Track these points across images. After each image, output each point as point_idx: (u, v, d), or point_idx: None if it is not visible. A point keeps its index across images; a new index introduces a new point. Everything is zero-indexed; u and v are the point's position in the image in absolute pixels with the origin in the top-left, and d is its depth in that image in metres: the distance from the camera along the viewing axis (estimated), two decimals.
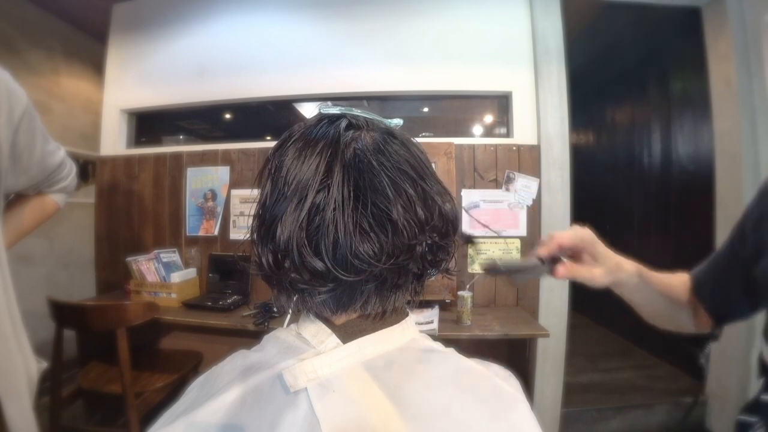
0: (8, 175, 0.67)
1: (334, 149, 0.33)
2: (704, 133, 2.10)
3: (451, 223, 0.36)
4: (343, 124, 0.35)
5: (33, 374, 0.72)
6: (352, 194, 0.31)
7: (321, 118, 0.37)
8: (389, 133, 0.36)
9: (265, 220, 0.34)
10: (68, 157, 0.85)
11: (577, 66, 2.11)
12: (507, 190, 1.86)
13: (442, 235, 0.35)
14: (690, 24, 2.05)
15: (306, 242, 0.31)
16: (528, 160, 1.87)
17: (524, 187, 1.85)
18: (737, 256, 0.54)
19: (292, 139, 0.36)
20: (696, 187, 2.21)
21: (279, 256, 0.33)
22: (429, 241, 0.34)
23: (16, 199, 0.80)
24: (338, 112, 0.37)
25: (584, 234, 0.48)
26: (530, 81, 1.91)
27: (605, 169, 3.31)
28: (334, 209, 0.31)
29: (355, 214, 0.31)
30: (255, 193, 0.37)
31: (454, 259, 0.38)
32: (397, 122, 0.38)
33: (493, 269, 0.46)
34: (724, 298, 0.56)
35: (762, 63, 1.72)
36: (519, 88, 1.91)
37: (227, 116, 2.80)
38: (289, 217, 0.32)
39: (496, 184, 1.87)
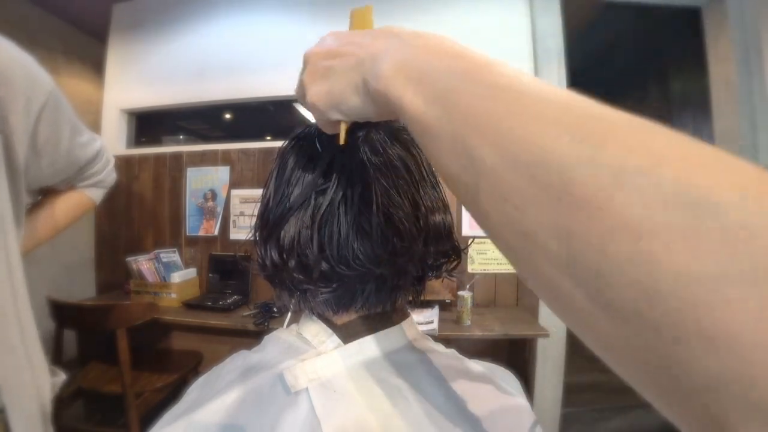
0: (30, 167, 0.62)
1: (337, 151, 0.33)
2: (704, 133, 2.10)
3: (442, 232, 0.36)
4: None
5: (44, 388, 0.66)
6: (353, 196, 0.32)
7: None
8: (394, 135, 0.36)
9: (269, 220, 0.34)
10: (105, 150, 0.78)
11: (577, 66, 2.11)
12: None
13: (435, 242, 0.35)
14: (690, 24, 2.05)
15: (309, 242, 0.32)
16: None
17: None
18: None
19: (296, 140, 0.36)
20: None
21: (283, 255, 0.33)
22: (422, 248, 0.34)
23: (48, 194, 0.76)
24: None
25: None
26: None
27: None
28: (336, 210, 0.31)
29: (356, 216, 0.31)
30: (258, 192, 0.38)
31: (457, 264, 0.38)
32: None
33: None
34: None
35: (762, 63, 1.72)
36: None
37: (227, 116, 2.81)
38: (292, 217, 0.32)
39: None
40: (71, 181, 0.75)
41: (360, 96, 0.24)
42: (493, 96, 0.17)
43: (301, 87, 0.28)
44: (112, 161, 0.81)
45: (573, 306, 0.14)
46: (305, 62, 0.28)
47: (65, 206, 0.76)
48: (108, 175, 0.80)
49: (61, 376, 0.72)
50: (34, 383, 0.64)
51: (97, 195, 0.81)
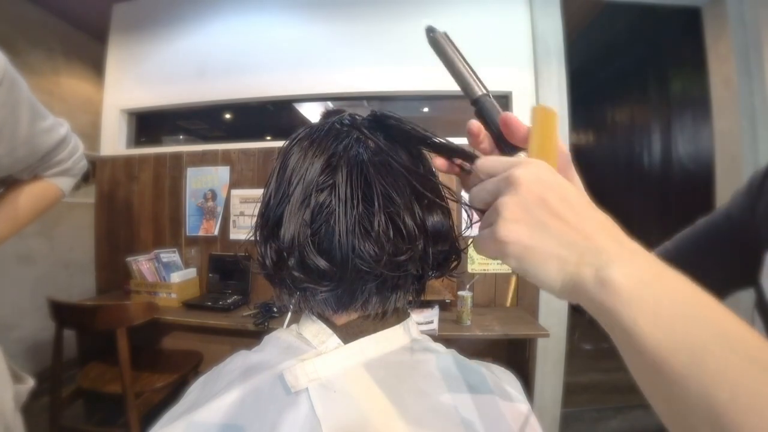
0: None
1: (338, 150, 0.33)
2: (704, 133, 2.10)
3: (442, 232, 0.36)
4: (348, 125, 0.36)
5: (5, 398, 0.61)
6: (354, 194, 0.32)
7: (326, 118, 0.37)
8: (394, 136, 0.36)
9: (269, 219, 0.34)
10: (73, 135, 0.72)
11: (577, 66, 2.12)
12: None
13: (434, 242, 0.35)
14: (690, 24, 2.06)
15: (309, 241, 0.32)
16: None
17: None
18: (731, 221, 0.54)
19: (298, 139, 0.36)
20: (696, 187, 2.21)
21: (284, 254, 0.33)
22: (422, 248, 0.34)
23: (11, 186, 0.69)
24: (346, 114, 0.37)
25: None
26: (530, 81, 1.91)
27: (605, 169, 3.31)
28: (337, 209, 0.31)
29: (357, 214, 0.31)
30: (258, 192, 0.38)
31: (457, 264, 0.38)
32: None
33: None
34: (706, 272, 0.55)
35: (762, 63, 1.72)
36: (519, 88, 1.91)
37: (227, 116, 2.80)
38: (293, 216, 0.32)
39: None
40: (35, 170, 0.68)
41: (560, 278, 0.23)
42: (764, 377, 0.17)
43: (501, 205, 0.25)
44: (81, 148, 0.75)
45: None
46: (517, 184, 0.24)
47: (28, 198, 0.69)
48: (76, 162, 0.74)
49: (29, 383, 0.66)
50: None
51: (65, 184, 0.74)
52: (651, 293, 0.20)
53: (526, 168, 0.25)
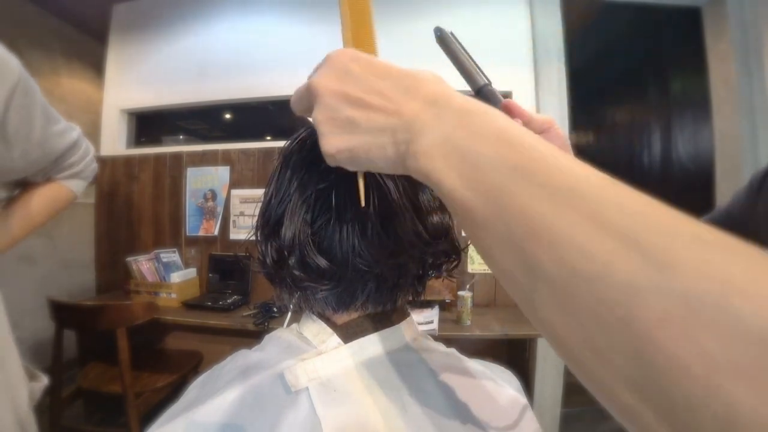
0: (1, 158, 0.58)
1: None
2: (704, 133, 2.10)
3: (441, 232, 0.36)
4: None
5: (20, 396, 0.62)
6: (353, 195, 0.32)
7: None
8: None
9: (270, 218, 0.34)
10: (84, 139, 0.74)
11: (577, 66, 2.11)
12: None
13: (435, 242, 0.35)
14: (690, 24, 2.05)
15: (310, 240, 0.32)
16: None
17: None
18: (731, 220, 0.54)
19: (299, 139, 0.36)
20: (696, 187, 2.21)
21: (284, 253, 0.33)
22: (422, 248, 0.34)
23: (25, 188, 0.71)
24: None
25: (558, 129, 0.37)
26: (530, 81, 1.91)
27: (605, 169, 3.29)
28: (336, 209, 0.31)
29: (356, 215, 0.32)
30: (258, 192, 0.38)
31: (457, 263, 0.38)
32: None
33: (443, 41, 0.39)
34: None
35: (762, 63, 1.72)
36: (519, 88, 1.91)
37: (227, 116, 2.80)
38: (294, 215, 0.32)
39: None
40: (48, 173, 0.71)
41: (388, 162, 0.22)
42: (550, 198, 0.16)
43: (316, 124, 0.25)
44: (92, 151, 0.77)
45: (643, 425, 0.14)
46: (317, 94, 0.25)
47: (42, 200, 0.72)
48: (88, 165, 0.76)
49: (43, 381, 0.68)
50: (8, 390, 0.59)
51: (77, 187, 0.77)
52: (454, 150, 0.19)
53: (319, 70, 0.25)
